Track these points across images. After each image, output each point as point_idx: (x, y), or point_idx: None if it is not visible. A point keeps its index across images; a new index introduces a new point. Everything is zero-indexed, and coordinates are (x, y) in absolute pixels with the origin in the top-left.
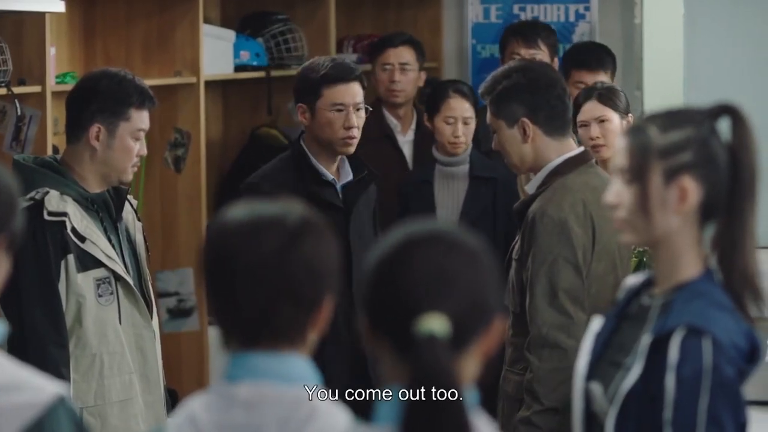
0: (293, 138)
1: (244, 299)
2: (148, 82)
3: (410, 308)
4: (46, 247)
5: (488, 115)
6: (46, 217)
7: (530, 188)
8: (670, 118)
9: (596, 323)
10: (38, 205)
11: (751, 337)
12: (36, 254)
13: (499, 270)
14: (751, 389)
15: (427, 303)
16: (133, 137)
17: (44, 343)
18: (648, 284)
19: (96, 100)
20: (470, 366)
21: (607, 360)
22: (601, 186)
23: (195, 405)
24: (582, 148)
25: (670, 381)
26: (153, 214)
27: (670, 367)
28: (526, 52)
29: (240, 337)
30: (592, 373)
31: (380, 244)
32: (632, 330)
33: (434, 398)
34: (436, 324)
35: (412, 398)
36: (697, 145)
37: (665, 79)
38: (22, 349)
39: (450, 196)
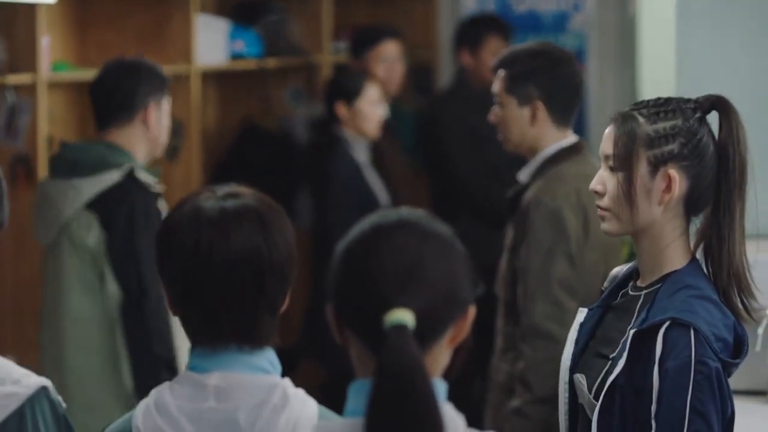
0: (288, 127)
1: (220, 301)
2: None
3: (380, 301)
4: (153, 214)
5: (498, 85)
6: (151, 189)
7: (523, 176)
8: (659, 108)
9: (581, 314)
10: (132, 177)
11: (736, 330)
12: (146, 221)
13: (469, 258)
14: (741, 379)
15: (397, 296)
16: (168, 114)
17: (162, 309)
18: (633, 275)
19: (146, 81)
20: (441, 357)
21: (591, 352)
22: (593, 175)
23: (163, 392)
24: (576, 138)
25: (655, 374)
26: None
27: (655, 361)
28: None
29: (210, 335)
30: (577, 365)
31: (350, 231)
32: (617, 321)
33: (402, 389)
34: (405, 316)
35: (378, 390)
36: (685, 136)
37: (660, 71)
38: (139, 312)
39: None
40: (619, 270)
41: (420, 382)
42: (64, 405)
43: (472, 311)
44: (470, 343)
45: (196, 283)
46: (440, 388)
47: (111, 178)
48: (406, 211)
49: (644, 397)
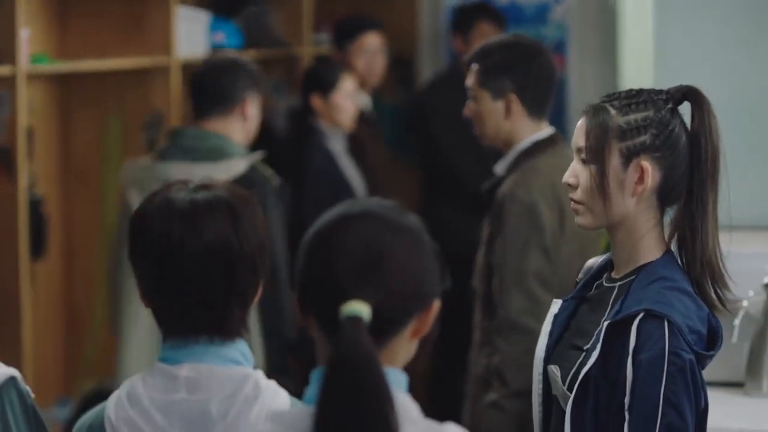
0: (269, 119)
1: (190, 293)
2: (123, 64)
3: (337, 291)
4: (278, 205)
5: (471, 79)
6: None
7: (499, 169)
8: (631, 100)
9: (555, 306)
10: (254, 168)
11: (710, 322)
12: (275, 211)
13: (437, 251)
14: (718, 370)
15: (354, 287)
16: (260, 108)
17: (288, 292)
18: (608, 266)
19: (245, 76)
20: (402, 349)
21: (566, 343)
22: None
23: (136, 384)
24: (552, 130)
25: (629, 366)
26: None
27: (629, 352)
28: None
29: (181, 327)
30: (551, 356)
31: (318, 220)
32: (591, 313)
33: (352, 380)
34: (361, 307)
35: (329, 379)
36: (657, 127)
37: (640, 62)
38: (273, 296)
39: None
40: (594, 261)
41: (370, 373)
42: (32, 395)
43: (436, 305)
44: (444, 337)
45: (166, 275)
46: (399, 378)
47: (238, 166)
48: (374, 202)
49: (618, 388)
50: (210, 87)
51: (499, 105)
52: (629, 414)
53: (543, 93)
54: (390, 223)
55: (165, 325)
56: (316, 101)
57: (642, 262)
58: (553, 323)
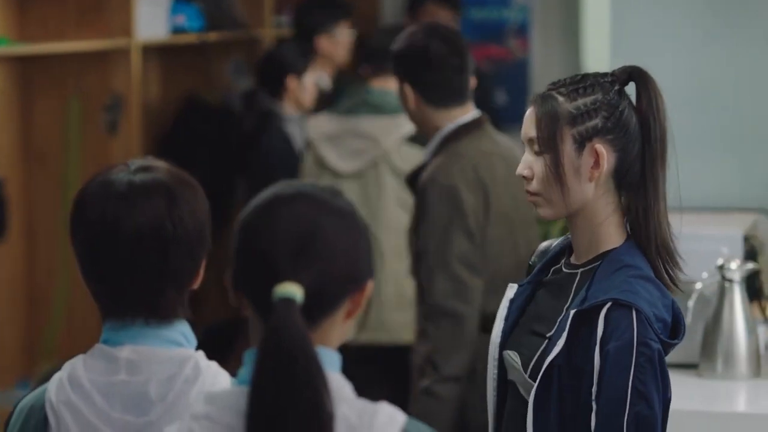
0: (230, 101)
1: (124, 274)
2: (83, 46)
3: (270, 273)
4: None
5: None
6: None
7: (425, 155)
8: (577, 85)
9: (511, 290)
10: None
11: (674, 309)
12: None
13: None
14: (673, 352)
15: (287, 269)
16: None
17: None
18: (566, 251)
19: None
20: (335, 329)
21: (524, 329)
22: (495, 150)
23: (77, 366)
24: (477, 113)
25: (596, 355)
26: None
27: (596, 342)
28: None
29: (118, 309)
30: (508, 341)
31: (253, 200)
32: (551, 299)
33: (284, 361)
34: (294, 289)
35: (262, 360)
36: (607, 109)
37: (601, 44)
38: None
39: None
40: (548, 244)
41: (303, 355)
42: None
43: (370, 286)
44: None
45: (101, 256)
46: (332, 358)
47: None
48: (307, 184)
49: (584, 378)
50: (379, 49)
51: (402, 93)
52: (597, 403)
53: (439, 81)
54: (322, 204)
55: (103, 306)
56: (292, 82)
57: (603, 248)
58: (509, 308)
